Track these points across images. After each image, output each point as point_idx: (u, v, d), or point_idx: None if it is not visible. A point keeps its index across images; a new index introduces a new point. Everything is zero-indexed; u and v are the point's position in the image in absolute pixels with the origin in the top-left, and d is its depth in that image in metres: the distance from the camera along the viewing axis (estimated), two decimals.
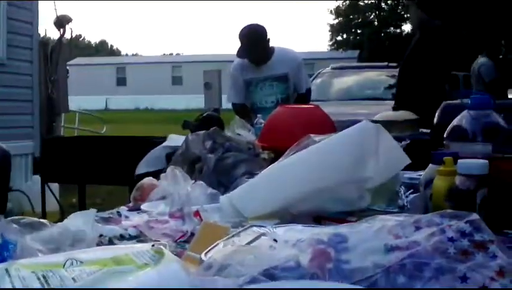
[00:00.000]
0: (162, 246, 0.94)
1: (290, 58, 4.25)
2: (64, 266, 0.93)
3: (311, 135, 1.51)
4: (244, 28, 4.17)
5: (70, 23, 8.31)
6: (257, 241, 1.08)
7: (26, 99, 6.97)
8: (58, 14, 8.16)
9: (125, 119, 20.60)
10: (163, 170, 3.55)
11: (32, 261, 0.98)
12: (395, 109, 4.37)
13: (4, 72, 6.63)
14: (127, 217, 1.67)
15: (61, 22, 8.17)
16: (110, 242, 1.41)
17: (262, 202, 1.37)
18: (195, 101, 26.21)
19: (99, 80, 36.53)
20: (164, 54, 58.73)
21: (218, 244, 1.09)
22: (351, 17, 36.35)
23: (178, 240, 1.38)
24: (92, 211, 1.33)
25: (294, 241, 0.90)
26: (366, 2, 35.65)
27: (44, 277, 0.88)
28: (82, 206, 4.15)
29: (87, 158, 4.00)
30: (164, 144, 3.85)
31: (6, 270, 0.91)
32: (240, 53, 4.14)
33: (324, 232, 0.90)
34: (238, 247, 0.91)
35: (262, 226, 1.21)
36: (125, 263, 0.90)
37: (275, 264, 0.86)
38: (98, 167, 3.98)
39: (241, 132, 2.81)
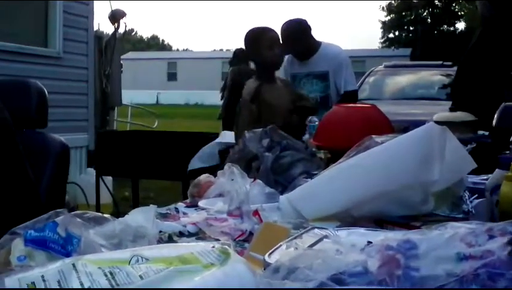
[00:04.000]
0: (227, 246, 0.94)
1: (332, 55, 4.08)
2: (129, 262, 0.93)
3: (373, 136, 1.49)
4: (285, 22, 4.10)
5: (124, 18, 8.43)
6: (320, 243, 1.07)
7: (82, 93, 7.11)
8: (112, 9, 8.28)
9: (175, 114, 20.83)
10: (216, 166, 3.60)
11: (98, 256, 0.98)
12: (452, 109, 4.26)
13: (60, 66, 6.77)
14: (184, 213, 1.68)
15: (115, 16, 8.29)
16: (170, 239, 1.42)
17: (322, 204, 1.35)
18: None
19: (151, 75, 37.02)
20: (214, 50, 59.15)
21: (280, 245, 1.08)
22: (403, 14, 35.84)
23: (237, 239, 1.38)
24: (153, 207, 1.33)
25: (361, 245, 0.88)
26: None
27: (111, 273, 0.89)
28: (135, 200, 4.22)
29: (141, 152, 4.06)
30: (217, 140, 3.88)
31: (73, 265, 0.92)
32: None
33: (393, 237, 0.88)
34: (305, 250, 0.89)
35: (324, 228, 1.20)
36: (190, 262, 0.90)
37: (342, 269, 0.84)
38: (151, 162, 4.03)
39: None
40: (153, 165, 4.03)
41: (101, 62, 7.94)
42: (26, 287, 0.88)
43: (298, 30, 4.05)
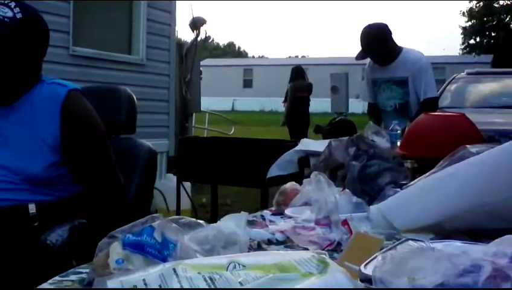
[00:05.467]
0: (324, 255, 0.94)
1: (412, 61, 3.96)
2: (227, 268, 0.95)
3: (467, 146, 1.45)
4: (365, 27, 4.03)
5: (204, 25, 8.57)
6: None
7: (163, 99, 7.27)
8: (194, 16, 8.42)
9: (250, 120, 20.97)
10: (295, 174, 3.59)
11: (196, 261, 1.00)
12: None
13: (143, 72, 6.95)
14: (271, 221, 1.68)
15: (196, 24, 8.43)
16: (259, 246, 1.42)
17: (415, 215, 1.33)
18: (320, 104, 26.13)
19: (227, 82, 37.44)
20: (290, 57, 59.22)
21: (376, 257, 1.07)
22: (485, 19, 34.75)
23: (325, 249, 1.37)
24: (244, 215, 1.34)
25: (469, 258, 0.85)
26: (501, 3, 33.94)
27: (211, 278, 0.90)
28: (214, 206, 4.27)
29: (221, 159, 4.10)
30: (296, 148, 3.87)
31: (174, 269, 0.94)
32: (359, 53, 4.02)
33: (500, 251, 0.86)
34: (404, 260, 0.88)
35: (419, 241, 1.17)
36: (288, 270, 0.90)
37: (446, 280, 0.82)
38: (230, 168, 4.06)
39: (375, 139, 2.73)
40: (232, 171, 4.06)
41: (181, 69, 8.10)
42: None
43: (378, 35, 3.98)
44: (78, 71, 5.82)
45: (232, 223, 1.32)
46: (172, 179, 5.15)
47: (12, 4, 1.90)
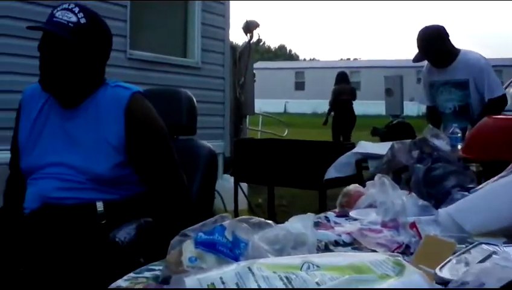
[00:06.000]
0: (399, 258, 0.94)
1: (471, 63, 3.90)
2: (301, 268, 0.95)
3: None
4: (422, 29, 3.98)
5: (257, 28, 8.61)
6: (489, 260, 1.04)
7: (219, 102, 7.33)
8: (247, 19, 8.48)
9: (303, 123, 20.93)
10: (352, 176, 3.58)
11: (270, 261, 1.01)
12: None
13: (199, 75, 7.03)
14: (336, 223, 1.68)
15: (249, 27, 8.48)
16: (326, 247, 1.43)
17: (486, 219, 1.31)
18: (373, 107, 25.92)
19: (279, 84, 37.49)
20: (341, 59, 58.86)
21: (450, 260, 1.06)
22: None
23: (394, 251, 1.36)
24: (311, 215, 1.35)
25: None
26: None
27: (287, 278, 0.91)
28: (271, 207, 4.29)
29: (278, 160, 4.12)
30: (354, 150, 3.86)
31: (249, 268, 0.95)
32: (416, 56, 3.97)
33: None
34: (487, 267, 0.87)
35: (492, 244, 1.16)
36: (364, 271, 0.90)
37: None
38: (287, 170, 4.08)
39: (435, 142, 2.69)
40: (289, 173, 4.08)
41: (235, 72, 8.15)
42: (206, 287, 0.93)
43: (436, 36, 3.93)
44: (135, 74, 5.92)
45: (299, 224, 1.32)
46: (229, 179, 5.19)
47: (77, 9, 1.96)
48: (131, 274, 1.20)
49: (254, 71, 9.09)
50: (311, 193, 4.12)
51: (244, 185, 5.36)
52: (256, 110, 10.21)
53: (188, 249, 1.16)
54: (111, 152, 1.97)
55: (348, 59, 61.57)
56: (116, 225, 1.86)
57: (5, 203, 2.15)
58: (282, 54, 74.03)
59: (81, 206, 1.91)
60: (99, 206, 1.91)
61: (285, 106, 36.05)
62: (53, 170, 1.96)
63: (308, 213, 1.39)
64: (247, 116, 8.84)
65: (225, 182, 5.45)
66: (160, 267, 1.21)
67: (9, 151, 2.19)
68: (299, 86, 39.78)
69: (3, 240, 1.96)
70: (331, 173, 3.78)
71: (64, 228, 1.87)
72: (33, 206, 1.94)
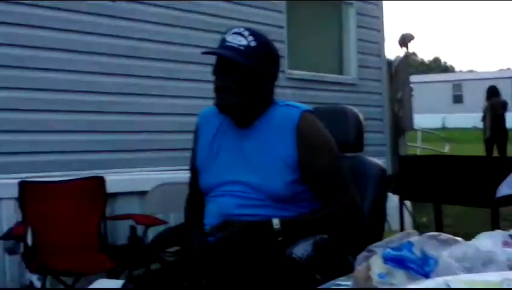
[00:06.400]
0: None
1: None
2: (502, 286, 0.92)
3: None
4: None
5: (412, 41, 8.44)
6: None
7: (377, 118, 7.27)
8: (403, 33, 8.33)
9: (463, 137, 20.06)
10: None
11: (468, 277, 0.99)
12: None
13: (356, 92, 7.02)
14: None
15: (404, 40, 8.33)
16: None
17: None
18: None
19: (435, 98, 36.27)
20: (501, 69, 55.69)
21: None
22: None
23: None
24: (500, 233, 1.30)
25: None
26: None
27: None
28: (438, 226, 4.15)
29: (444, 177, 3.98)
30: None
31: (448, 284, 0.94)
32: None
33: None
34: None
35: None
36: None
37: None
38: (455, 187, 3.93)
39: None
40: (457, 190, 3.92)
41: (391, 87, 8.03)
42: None
43: None
44: (294, 93, 6.05)
45: (488, 241, 1.28)
46: (391, 197, 5.08)
47: (246, 33, 2.04)
48: None
49: (411, 85, 8.88)
50: (477, 212, 3.93)
51: (409, 204, 5.23)
52: (414, 125, 9.95)
53: (377, 264, 1.17)
54: (285, 170, 2.02)
55: (508, 69, 58.10)
56: (291, 241, 1.90)
57: (186, 219, 2.27)
58: (436, 66, 71.66)
59: (260, 223, 1.97)
60: (276, 223, 1.96)
61: (443, 120, 34.79)
62: (231, 187, 2.05)
63: (496, 230, 1.34)
64: (405, 132, 8.65)
65: (389, 200, 5.32)
66: (348, 283, 1.22)
67: (188, 171, 2.32)
68: (458, 98, 38.20)
69: (187, 254, 2.08)
70: (503, 190, 3.58)
71: (244, 244, 1.94)
72: (213, 222, 2.03)
